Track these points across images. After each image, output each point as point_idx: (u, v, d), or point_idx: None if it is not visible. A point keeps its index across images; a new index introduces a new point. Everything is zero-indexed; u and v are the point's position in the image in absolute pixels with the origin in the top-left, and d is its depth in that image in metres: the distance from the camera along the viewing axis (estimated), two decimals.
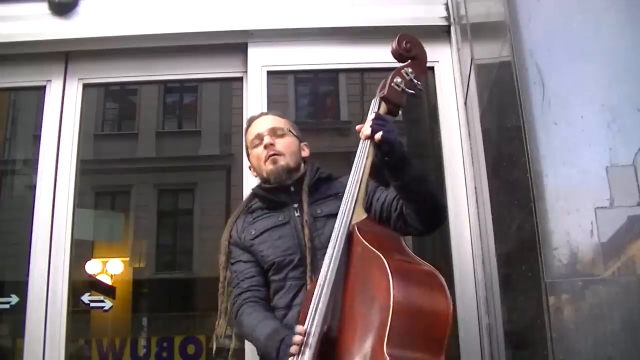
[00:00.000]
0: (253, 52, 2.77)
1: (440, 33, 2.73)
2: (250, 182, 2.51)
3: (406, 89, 1.73)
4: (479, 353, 2.35)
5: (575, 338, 1.43)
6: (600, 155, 1.53)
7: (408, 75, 1.74)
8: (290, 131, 2.02)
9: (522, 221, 1.67)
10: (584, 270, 1.47)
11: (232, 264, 1.93)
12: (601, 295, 1.45)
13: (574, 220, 1.50)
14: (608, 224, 1.49)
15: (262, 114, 2.14)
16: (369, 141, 1.66)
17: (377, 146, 1.63)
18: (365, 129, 1.65)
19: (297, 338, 1.53)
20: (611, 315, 1.43)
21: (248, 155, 2.05)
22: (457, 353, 2.38)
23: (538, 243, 1.51)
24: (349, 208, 1.62)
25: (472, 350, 2.36)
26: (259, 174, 2.01)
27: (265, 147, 1.95)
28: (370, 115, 1.69)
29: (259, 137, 1.98)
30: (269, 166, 1.93)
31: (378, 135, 1.61)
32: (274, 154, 1.93)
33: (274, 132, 1.98)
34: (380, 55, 2.67)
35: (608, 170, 1.52)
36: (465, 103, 2.59)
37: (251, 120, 2.10)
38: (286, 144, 1.97)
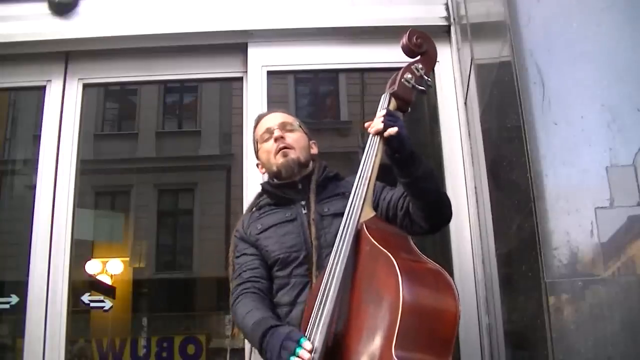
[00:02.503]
0: (253, 52, 2.77)
1: (440, 33, 2.73)
2: (250, 182, 2.51)
3: (416, 85, 1.72)
4: (479, 353, 2.35)
5: (575, 338, 1.43)
6: (600, 155, 1.53)
7: (418, 71, 1.73)
8: (300, 127, 2.02)
9: (522, 221, 1.67)
10: (584, 270, 1.47)
11: (237, 257, 1.92)
12: (601, 295, 1.45)
13: (574, 220, 1.50)
14: (608, 224, 1.49)
15: (271, 111, 2.12)
16: (378, 139, 1.64)
17: (387, 142, 1.62)
18: (376, 124, 1.63)
19: (305, 354, 1.47)
20: (611, 315, 1.43)
21: (256, 151, 2.03)
22: (457, 353, 2.37)
23: (538, 243, 1.51)
24: (357, 206, 1.60)
25: (472, 350, 2.36)
26: (268, 169, 1.98)
27: (276, 140, 1.93)
28: (380, 112, 1.67)
29: (269, 131, 1.97)
30: (279, 159, 1.91)
31: (391, 131, 1.60)
32: (284, 147, 1.92)
33: (284, 126, 1.97)
34: (381, 55, 2.68)
35: (608, 170, 1.52)
36: (465, 103, 2.59)
37: (260, 117, 2.08)
38: (296, 139, 1.96)
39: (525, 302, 1.71)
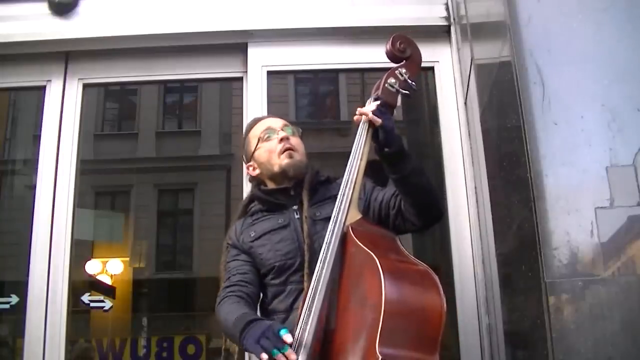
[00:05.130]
0: (253, 52, 2.77)
1: (440, 33, 2.73)
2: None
3: (400, 90, 1.72)
4: (479, 353, 2.35)
5: (575, 338, 1.43)
6: (600, 155, 1.53)
7: (402, 75, 1.73)
8: (300, 132, 2.00)
9: (522, 221, 1.67)
10: (584, 270, 1.47)
11: (228, 262, 1.90)
12: (601, 295, 1.45)
13: (574, 220, 1.50)
14: (608, 224, 1.49)
15: (270, 115, 2.11)
16: (363, 142, 1.66)
17: (375, 135, 1.64)
18: (367, 109, 1.66)
19: (292, 356, 1.47)
20: (611, 315, 1.43)
21: (251, 151, 1.96)
22: (457, 353, 2.38)
23: (538, 243, 1.51)
24: (344, 209, 1.62)
25: (472, 350, 2.36)
26: (267, 169, 1.92)
27: (281, 140, 1.90)
28: (373, 103, 1.69)
29: (272, 130, 1.94)
30: (284, 159, 1.88)
31: (377, 119, 1.62)
32: (290, 148, 1.89)
33: (288, 129, 1.96)
34: (381, 55, 2.63)
35: (608, 170, 1.52)
36: (465, 103, 2.59)
37: (260, 118, 2.07)
38: (298, 143, 1.94)
39: (525, 302, 1.71)
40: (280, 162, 1.89)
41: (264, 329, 1.54)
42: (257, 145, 1.95)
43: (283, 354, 1.47)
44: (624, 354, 1.40)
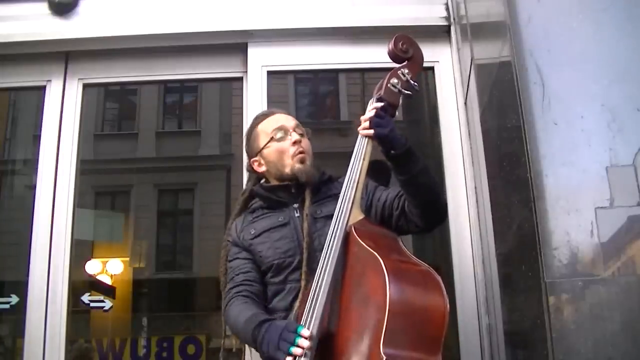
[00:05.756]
0: (253, 52, 2.77)
1: (440, 33, 2.73)
2: None
3: (403, 90, 1.73)
4: (479, 353, 2.35)
5: (575, 338, 1.43)
6: (600, 155, 1.53)
7: (405, 76, 1.74)
8: (309, 134, 1.99)
9: (522, 221, 1.67)
10: (584, 270, 1.47)
11: (230, 261, 1.90)
12: (601, 295, 1.45)
13: (574, 220, 1.50)
14: (608, 224, 1.49)
15: (282, 111, 2.06)
16: (365, 142, 1.67)
17: (379, 142, 1.66)
18: (364, 126, 1.67)
19: (304, 343, 1.47)
20: (611, 315, 1.43)
21: (262, 148, 1.94)
22: (457, 353, 2.38)
23: (538, 243, 1.51)
24: (346, 209, 1.62)
25: (472, 350, 2.36)
26: (276, 169, 1.91)
27: (295, 143, 1.89)
28: (369, 113, 1.69)
29: (285, 130, 1.92)
30: (296, 164, 1.87)
31: (379, 132, 1.63)
32: (302, 152, 1.89)
33: (299, 130, 1.95)
34: (381, 55, 2.64)
35: (608, 170, 1.52)
36: (465, 103, 2.59)
37: (269, 113, 2.04)
38: (307, 145, 1.94)
39: (525, 302, 1.71)
40: (292, 165, 1.88)
41: (280, 331, 1.54)
42: (267, 143, 1.93)
43: (297, 345, 1.48)
44: (624, 354, 1.40)
